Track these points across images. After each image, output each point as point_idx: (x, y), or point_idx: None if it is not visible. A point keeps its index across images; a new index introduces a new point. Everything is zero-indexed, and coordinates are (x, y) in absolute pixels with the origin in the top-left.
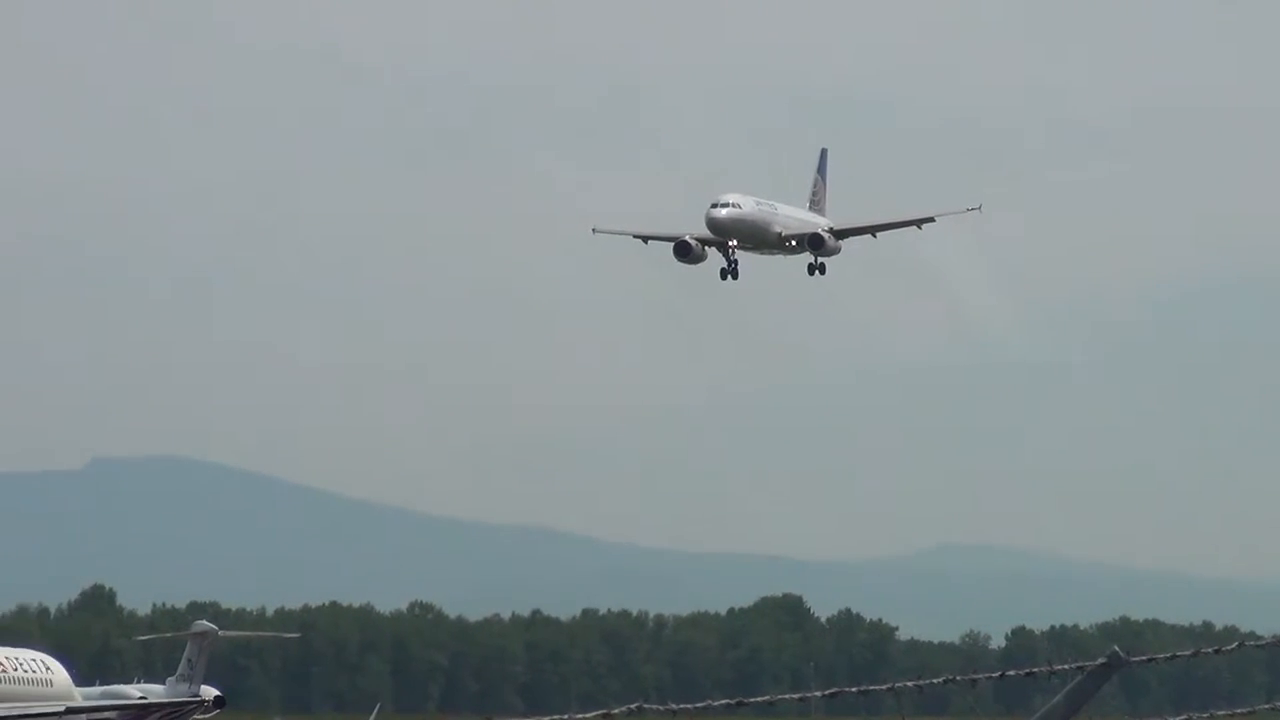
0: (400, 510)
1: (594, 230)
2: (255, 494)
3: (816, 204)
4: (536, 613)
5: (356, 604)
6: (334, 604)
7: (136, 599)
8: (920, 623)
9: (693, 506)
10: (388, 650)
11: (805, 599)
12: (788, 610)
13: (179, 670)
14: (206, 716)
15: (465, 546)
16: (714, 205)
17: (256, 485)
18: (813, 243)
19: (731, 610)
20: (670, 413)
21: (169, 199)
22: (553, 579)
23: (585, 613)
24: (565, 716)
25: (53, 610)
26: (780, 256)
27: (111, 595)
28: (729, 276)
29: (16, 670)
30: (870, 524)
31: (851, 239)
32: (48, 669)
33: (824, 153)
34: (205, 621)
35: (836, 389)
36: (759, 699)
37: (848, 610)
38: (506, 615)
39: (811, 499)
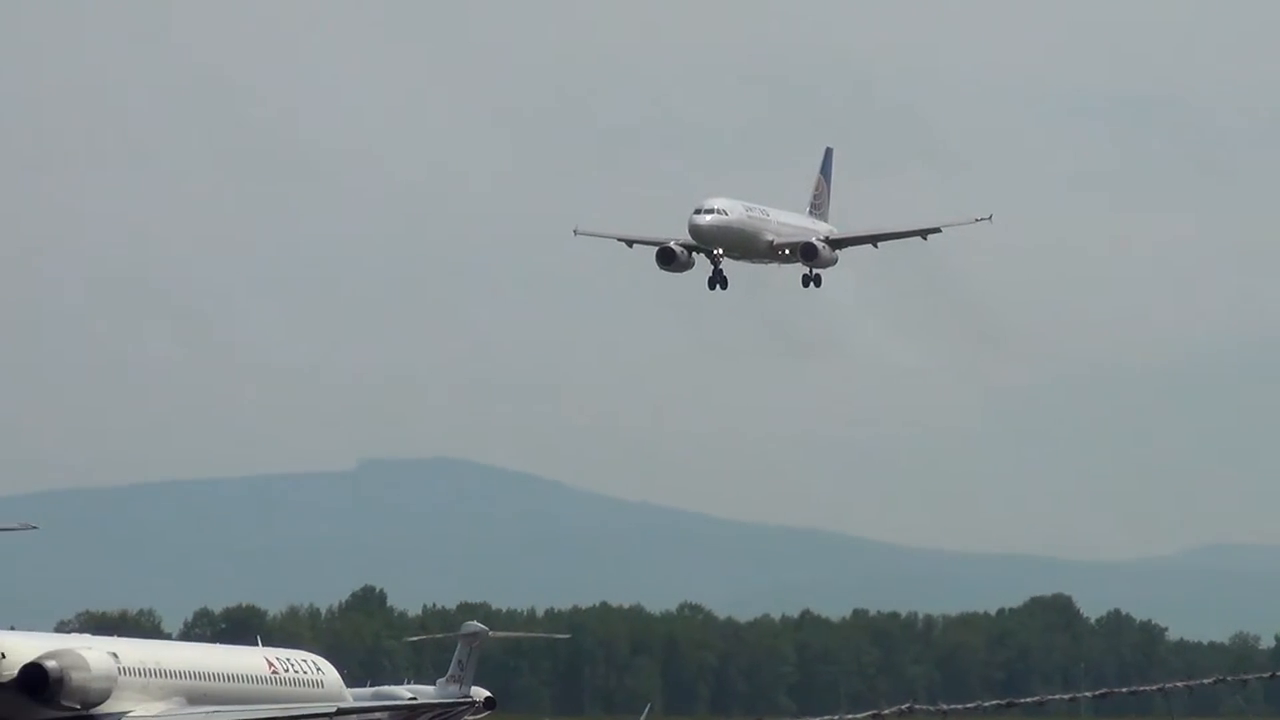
0: (670, 511)
1: (575, 232)
2: (525, 495)
3: (818, 208)
4: (806, 613)
5: (626, 605)
6: (604, 605)
7: (407, 600)
8: (1189, 623)
9: (960, 507)
10: (658, 651)
11: (1074, 599)
12: (1057, 611)
13: (449, 671)
14: (477, 718)
15: (735, 547)
16: (697, 211)
17: (526, 486)
18: (805, 253)
19: (1001, 611)
20: (937, 414)
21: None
22: (822, 579)
23: (855, 613)
24: (835, 717)
25: (324, 611)
26: (775, 266)
27: (382, 596)
28: (717, 285)
29: (288, 671)
30: (1138, 524)
31: (851, 248)
32: (319, 670)
33: (829, 152)
34: (476, 622)
35: (1100, 387)
36: (1029, 699)
37: (1116, 611)
38: (776, 616)
39: (1079, 499)
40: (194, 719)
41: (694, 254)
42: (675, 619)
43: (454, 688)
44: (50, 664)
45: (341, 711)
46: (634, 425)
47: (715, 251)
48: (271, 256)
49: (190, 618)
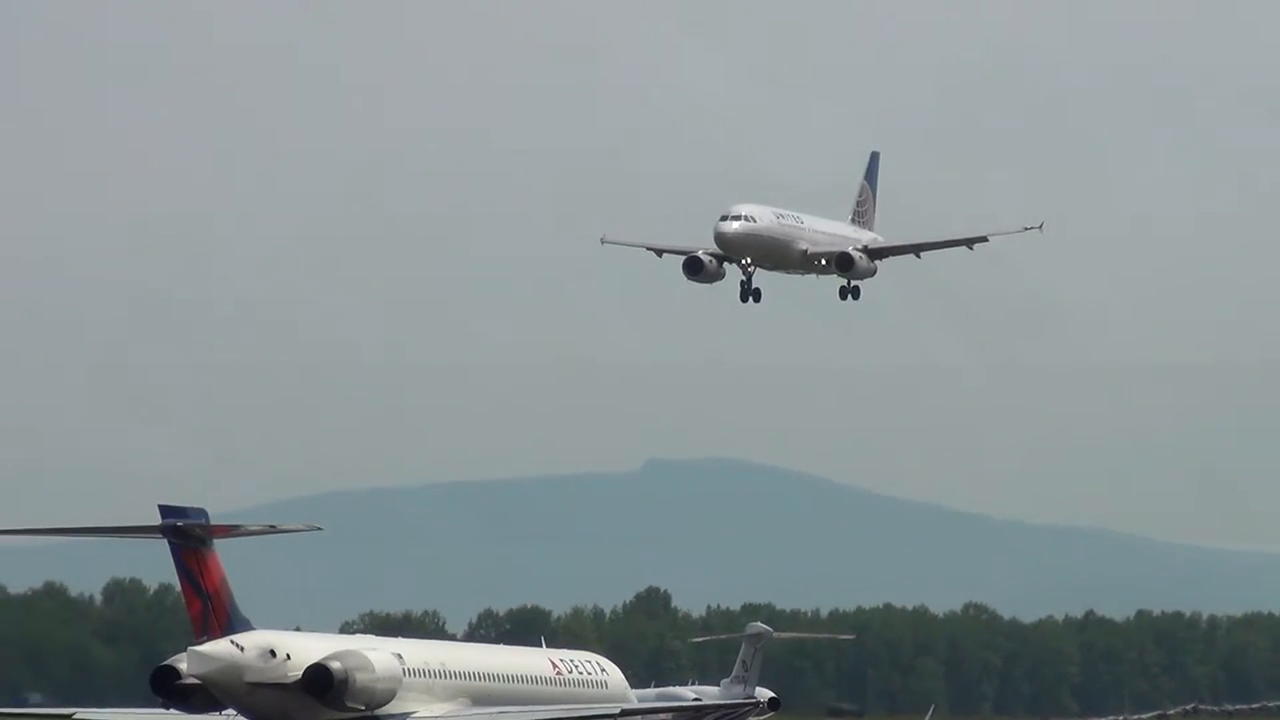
0: (954, 512)
1: (602, 240)
2: (807, 495)
3: (862, 216)
4: (1090, 613)
5: (910, 606)
6: (888, 605)
7: (690, 600)
8: None
9: (1246, 505)
10: (942, 652)
11: None
12: None
13: (734, 672)
14: (761, 719)
15: (1020, 547)
16: (723, 218)
17: (808, 487)
18: (840, 263)
19: None
20: (1231, 411)
21: None
22: (1107, 579)
23: (1139, 614)
24: (1120, 717)
25: (608, 612)
26: (813, 277)
27: (666, 597)
28: (749, 298)
29: (573, 672)
30: None
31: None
32: (603, 671)
33: (874, 156)
34: (759, 624)
35: None
36: None
37: None
38: (1060, 616)
39: None
40: None
41: (724, 264)
42: (959, 619)
43: (738, 689)
44: (335, 665)
45: (625, 713)
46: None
47: (744, 261)
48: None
49: (475, 619)
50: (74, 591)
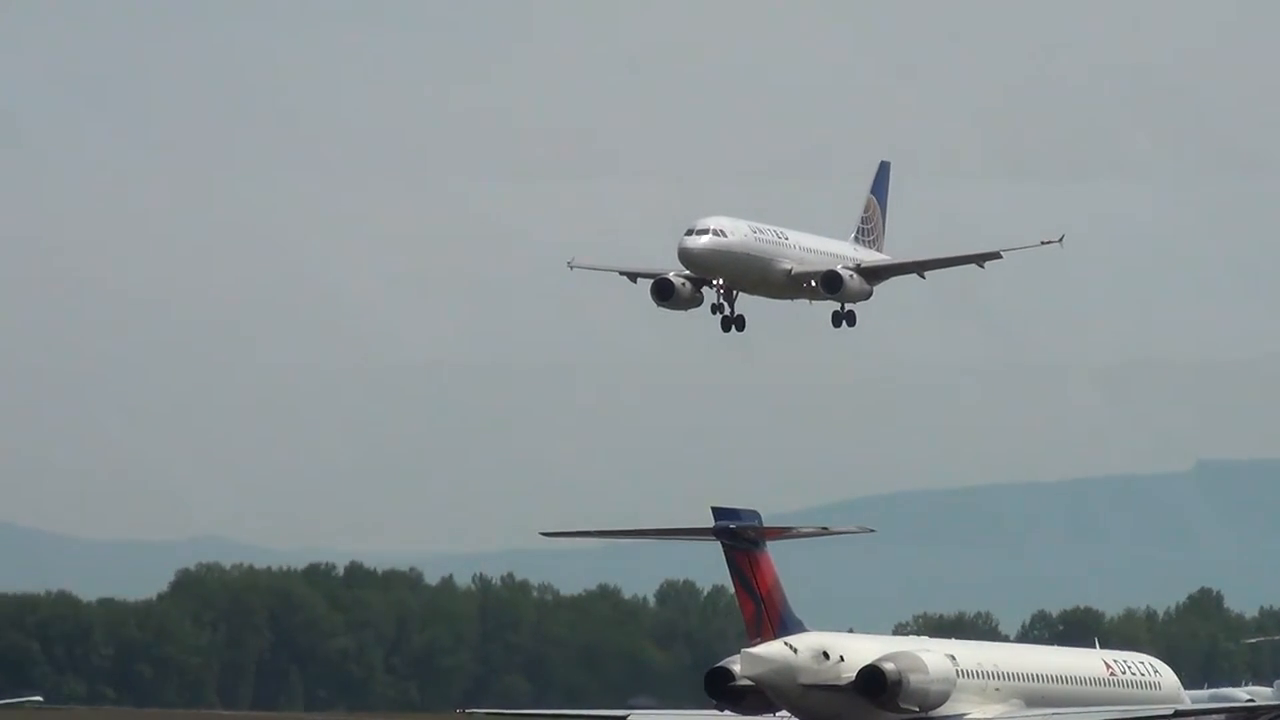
0: None
1: (570, 265)
2: None
3: (869, 233)
4: None
5: None
6: None
7: (1244, 602)
8: None
9: None
10: None
11: None
12: None
13: None
14: None
15: None
16: (689, 232)
17: None
18: (827, 283)
19: None
20: None
21: None
22: None
23: None
24: None
25: (1161, 613)
26: (805, 302)
27: (1219, 598)
28: (731, 326)
29: (1125, 673)
30: None
31: (891, 279)
32: (1155, 672)
33: (884, 167)
34: None
35: None
36: None
37: None
38: None
39: None
40: None
41: (701, 287)
42: None
43: None
44: (888, 667)
45: (1179, 714)
46: None
47: (715, 283)
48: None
49: (1028, 620)
50: (627, 594)
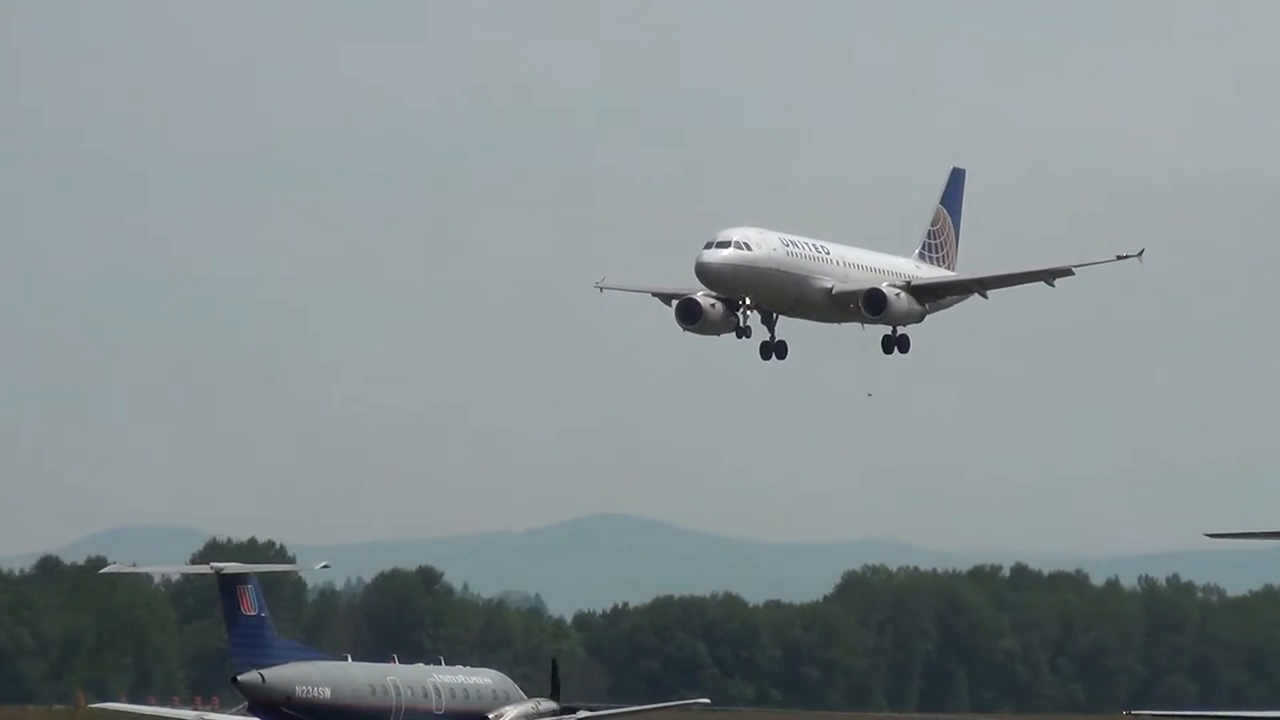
0: None
1: (598, 287)
2: None
3: (939, 249)
4: None
5: None
6: None
7: None
8: None
9: None
10: None
11: None
12: None
13: None
14: None
15: None
16: (708, 245)
17: None
18: (869, 303)
19: None
20: None
21: None
22: None
23: None
24: None
25: None
26: (856, 326)
27: None
28: (772, 354)
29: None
30: None
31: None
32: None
33: (957, 175)
34: None
35: None
36: None
37: None
38: None
39: None
40: None
41: (736, 309)
42: None
43: None
44: None
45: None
46: None
47: (742, 303)
48: None
49: None
50: None
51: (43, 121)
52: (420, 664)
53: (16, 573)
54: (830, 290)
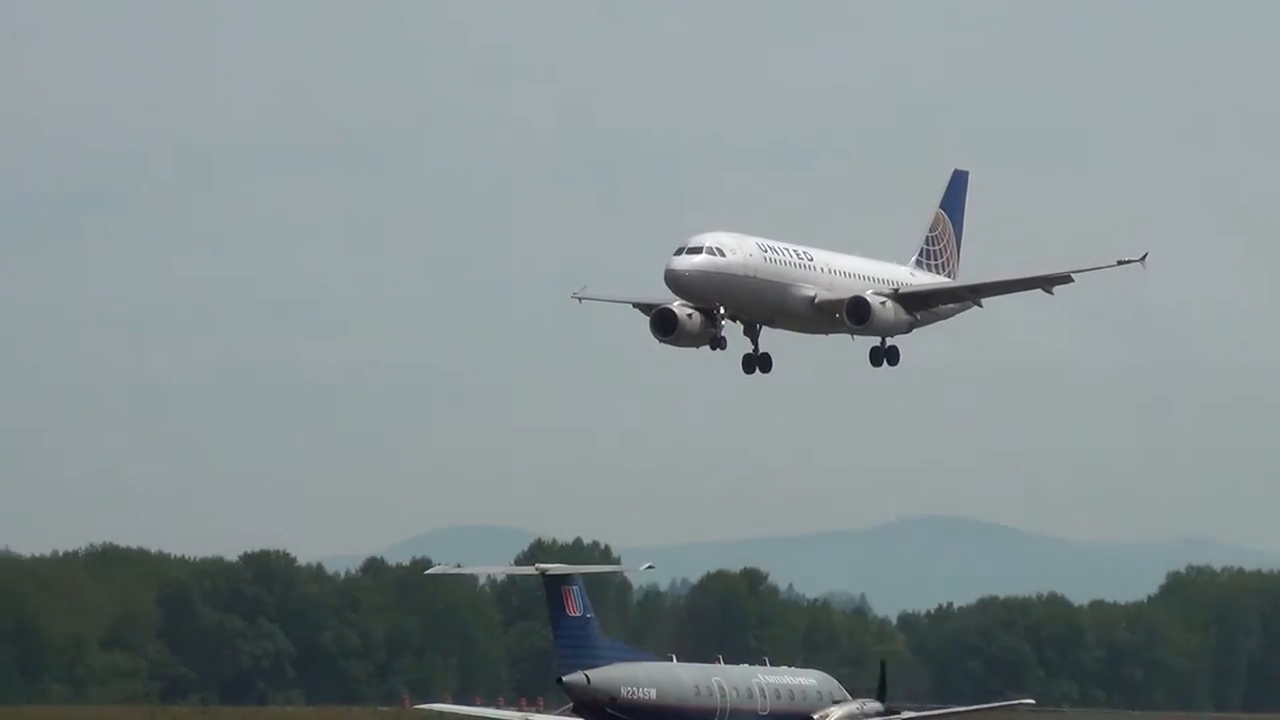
0: None
1: (576, 297)
2: None
3: (938, 256)
4: None
5: None
6: None
7: None
8: None
9: None
10: None
11: None
12: None
13: None
14: None
15: None
16: (678, 251)
17: None
18: (852, 312)
19: None
20: None
21: None
22: None
23: None
24: None
25: None
26: (846, 338)
27: None
28: (755, 367)
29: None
30: None
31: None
32: None
33: (959, 177)
34: None
35: None
36: None
37: None
38: None
39: None
40: None
41: (713, 319)
42: None
43: None
44: None
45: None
46: None
47: (717, 312)
48: None
49: None
50: None
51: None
52: (745, 664)
53: (342, 575)
54: (813, 299)
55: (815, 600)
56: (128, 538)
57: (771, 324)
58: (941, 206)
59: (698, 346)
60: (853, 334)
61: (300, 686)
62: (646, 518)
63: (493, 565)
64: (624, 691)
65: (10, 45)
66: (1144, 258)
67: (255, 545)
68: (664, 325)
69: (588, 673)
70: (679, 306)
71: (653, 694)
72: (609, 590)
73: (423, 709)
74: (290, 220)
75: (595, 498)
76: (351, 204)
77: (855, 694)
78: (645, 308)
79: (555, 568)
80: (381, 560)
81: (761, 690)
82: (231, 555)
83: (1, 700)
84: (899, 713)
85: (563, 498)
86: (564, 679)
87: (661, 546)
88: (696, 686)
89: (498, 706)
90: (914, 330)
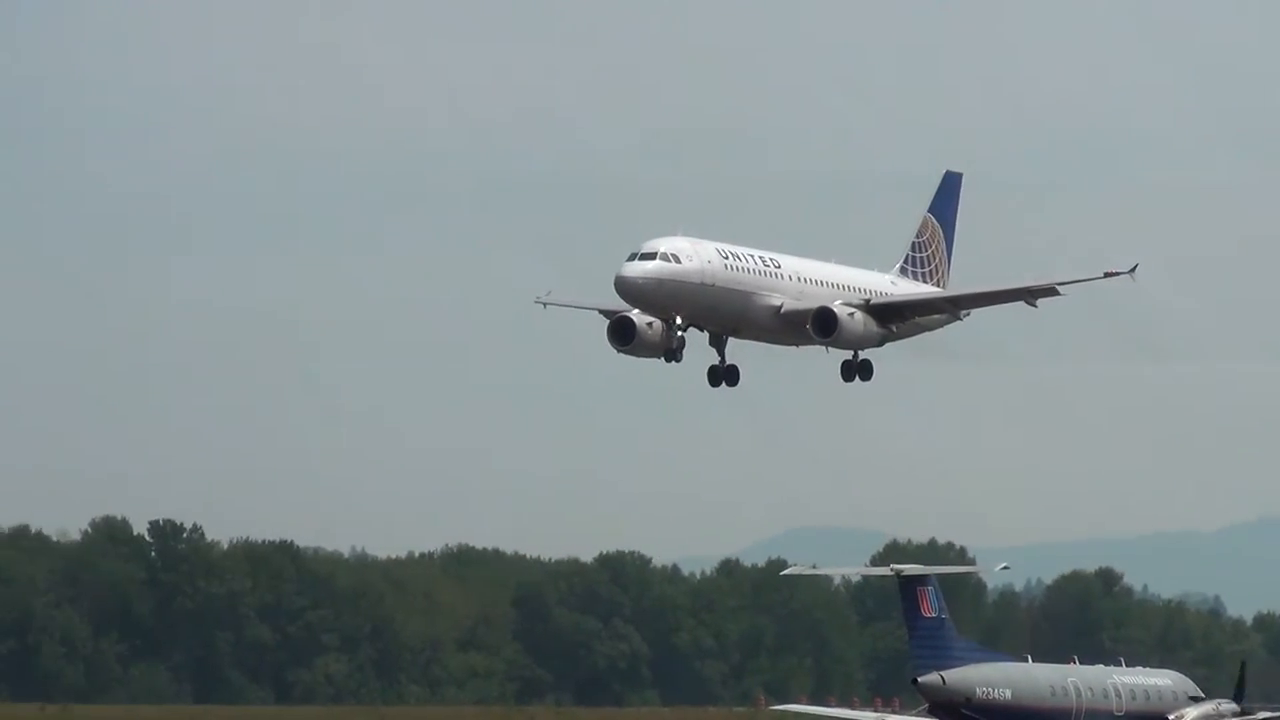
0: None
1: (540, 302)
2: None
3: (926, 264)
4: None
5: None
6: None
7: None
8: None
9: None
10: None
11: None
12: None
13: None
14: None
15: None
16: (631, 257)
17: None
18: (818, 324)
19: None
20: None
21: None
22: None
23: None
24: None
25: None
26: (821, 350)
27: None
28: (721, 380)
29: None
30: None
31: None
32: None
33: (950, 179)
34: None
35: None
36: None
37: None
38: None
39: None
40: None
41: (676, 329)
42: None
43: None
44: None
45: None
46: None
47: (674, 322)
48: None
49: None
50: None
51: None
52: (1100, 665)
53: (698, 575)
54: (779, 309)
55: (1170, 600)
56: (482, 539)
57: (737, 335)
58: (930, 210)
59: (659, 357)
60: (826, 347)
61: (655, 687)
62: (1001, 518)
63: (848, 566)
64: (979, 692)
65: None
66: (1134, 269)
67: (610, 546)
68: (622, 334)
69: (943, 673)
70: (638, 315)
71: (1008, 694)
72: (964, 591)
73: (778, 710)
74: None
75: (949, 499)
76: None
77: (1210, 695)
78: (609, 314)
79: (910, 568)
80: (737, 561)
81: (1117, 690)
82: (586, 557)
83: (358, 700)
84: (1255, 714)
85: (917, 497)
86: (919, 680)
87: (1016, 547)
88: (1052, 687)
89: (852, 707)
90: (886, 344)
